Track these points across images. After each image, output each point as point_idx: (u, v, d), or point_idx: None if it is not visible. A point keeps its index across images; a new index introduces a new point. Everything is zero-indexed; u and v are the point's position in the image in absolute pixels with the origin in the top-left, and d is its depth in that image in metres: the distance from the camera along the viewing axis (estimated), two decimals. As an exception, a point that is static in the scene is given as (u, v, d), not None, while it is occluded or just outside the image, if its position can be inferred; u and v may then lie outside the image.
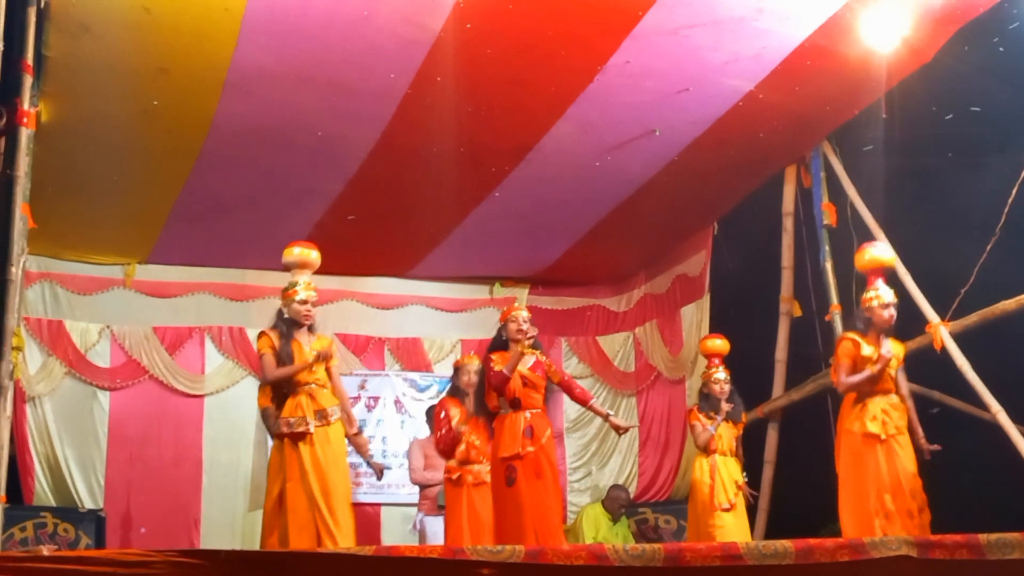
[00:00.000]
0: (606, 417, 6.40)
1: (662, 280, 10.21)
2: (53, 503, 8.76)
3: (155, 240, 9.00)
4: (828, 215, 8.01)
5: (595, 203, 8.71)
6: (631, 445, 10.35)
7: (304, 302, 5.83)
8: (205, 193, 8.03)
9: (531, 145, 7.56)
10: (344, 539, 5.50)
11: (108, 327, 9.35)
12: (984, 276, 6.86)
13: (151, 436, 9.29)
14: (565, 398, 6.65)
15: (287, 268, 5.98)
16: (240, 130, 7.11)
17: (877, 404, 5.92)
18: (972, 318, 6.91)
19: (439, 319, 10.32)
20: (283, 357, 5.76)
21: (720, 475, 7.20)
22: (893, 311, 6.00)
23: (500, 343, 6.26)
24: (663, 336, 10.13)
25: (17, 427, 8.43)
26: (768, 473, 8.47)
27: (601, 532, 9.22)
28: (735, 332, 7.80)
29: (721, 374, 7.43)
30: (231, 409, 9.38)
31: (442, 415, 7.04)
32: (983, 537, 4.61)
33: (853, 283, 6.38)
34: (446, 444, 6.98)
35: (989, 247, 6.86)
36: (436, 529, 7.51)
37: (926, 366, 6.98)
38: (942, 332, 6.95)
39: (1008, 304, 6.72)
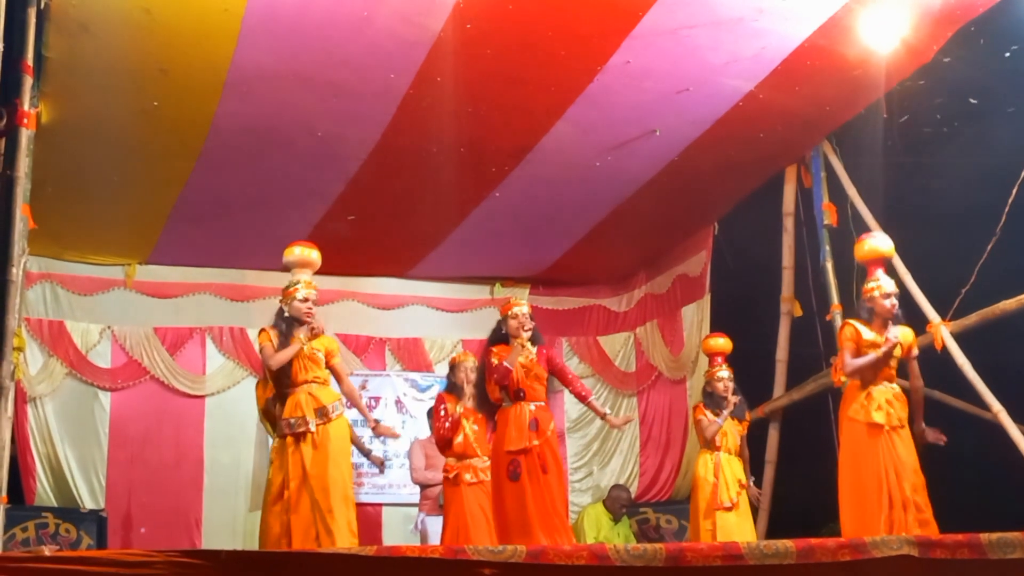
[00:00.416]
0: (603, 416, 6.40)
1: (662, 280, 10.20)
2: (54, 503, 8.76)
3: (156, 240, 9.00)
4: (828, 215, 8.01)
5: (595, 203, 8.71)
6: (632, 445, 10.35)
7: (305, 300, 5.84)
8: (205, 193, 8.03)
9: (531, 145, 7.56)
10: (343, 539, 5.49)
11: (109, 328, 9.35)
12: (985, 276, 6.86)
13: (152, 436, 9.29)
14: (566, 398, 6.68)
15: (288, 268, 5.99)
16: (240, 130, 7.11)
17: (882, 394, 5.87)
18: (973, 318, 6.91)
19: (440, 319, 10.32)
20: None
21: (724, 473, 7.19)
22: (895, 300, 5.97)
23: (500, 337, 6.27)
24: (664, 336, 10.13)
25: (18, 428, 8.43)
26: (769, 473, 8.46)
27: (602, 532, 9.22)
28: (736, 332, 7.80)
29: (725, 372, 7.43)
30: (232, 409, 9.38)
31: (441, 411, 7.04)
32: (984, 536, 4.61)
33: (854, 283, 6.38)
34: (445, 433, 6.95)
35: (989, 247, 6.86)
36: (437, 529, 7.50)
37: (927, 366, 6.94)
38: (943, 332, 6.96)
39: (1008, 304, 6.72)
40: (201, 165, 7.54)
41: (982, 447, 6.86)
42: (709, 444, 7.30)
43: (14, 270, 5.79)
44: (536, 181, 8.10)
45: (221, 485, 9.30)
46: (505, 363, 6.07)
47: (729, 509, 7.11)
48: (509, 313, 6.24)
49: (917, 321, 7.02)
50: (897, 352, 5.94)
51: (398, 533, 9.39)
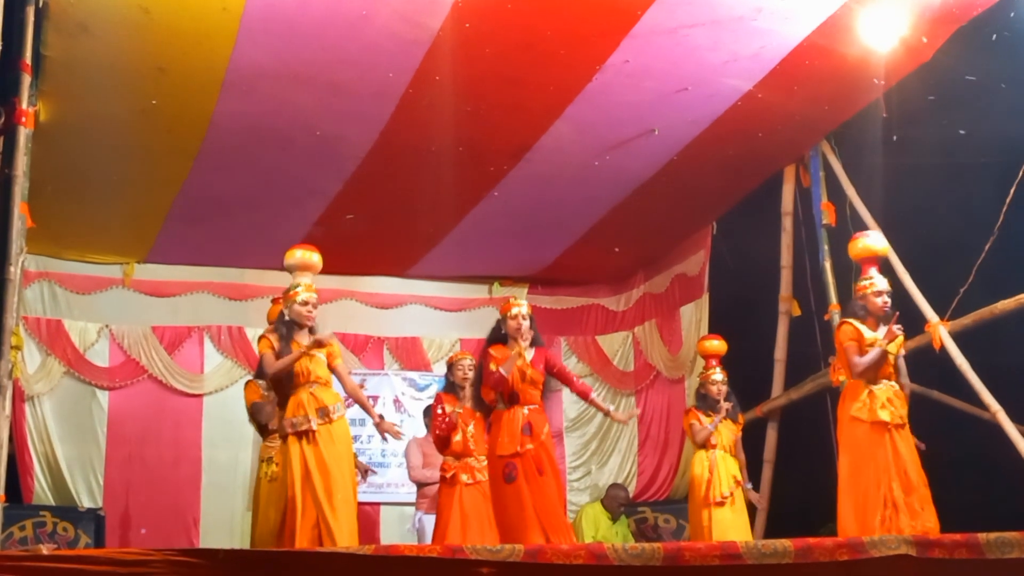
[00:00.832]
0: (607, 412, 6.39)
1: (661, 279, 10.21)
2: (52, 502, 8.76)
3: (154, 239, 9.00)
4: (827, 214, 8.01)
5: (594, 202, 8.71)
6: (630, 444, 10.35)
7: (305, 303, 5.83)
8: (204, 192, 8.03)
9: (530, 144, 7.56)
10: (343, 539, 5.49)
11: (107, 326, 9.36)
12: (983, 275, 6.86)
13: (150, 435, 9.29)
14: (564, 397, 6.66)
15: (288, 270, 5.98)
16: (239, 129, 7.10)
17: (883, 392, 5.86)
18: (971, 317, 6.91)
19: (438, 318, 10.32)
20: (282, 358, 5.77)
21: (718, 470, 7.21)
22: (887, 298, 6.00)
23: (498, 336, 6.26)
24: (662, 335, 10.13)
25: (16, 426, 8.43)
26: (767, 472, 8.47)
27: (600, 531, 9.23)
28: (734, 332, 7.80)
29: (719, 375, 7.45)
30: (230, 408, 9.35)
31: (439, 410, 7.04)
32: (982, 536, 4.61)
33: (852, 282, 6.38)
34: (441, 432, 6.96)
35: (988, 247, 6.86)
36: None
37: (925, 365, 6.97)
38: (941, 331, 6.96)
39: (1007, 303, 6.72)
40: (199, 164, 7.54)
41: (980, 447, 6.86)
42: (702, 446, 7.34)
43: (12, 269, 5.79)
44: (535, 180, 8.10)
45: (219, 484, 9.30)
46: (501, 369, 6.06)
47: (722, 504, 7.13)
48: (508, 313, 6.23)
49: (915, 321, 7.03)
50: (893, 348, 5.94)
51: (396, 532, 9.39)
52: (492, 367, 6.09)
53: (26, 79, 5.94)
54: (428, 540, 7.56)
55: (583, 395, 6.40)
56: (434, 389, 9.70)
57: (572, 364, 10.52)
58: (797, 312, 8.41)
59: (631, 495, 9.78)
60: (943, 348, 6.95)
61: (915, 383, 6.55)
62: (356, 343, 9.97)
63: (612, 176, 8.13)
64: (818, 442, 7.35)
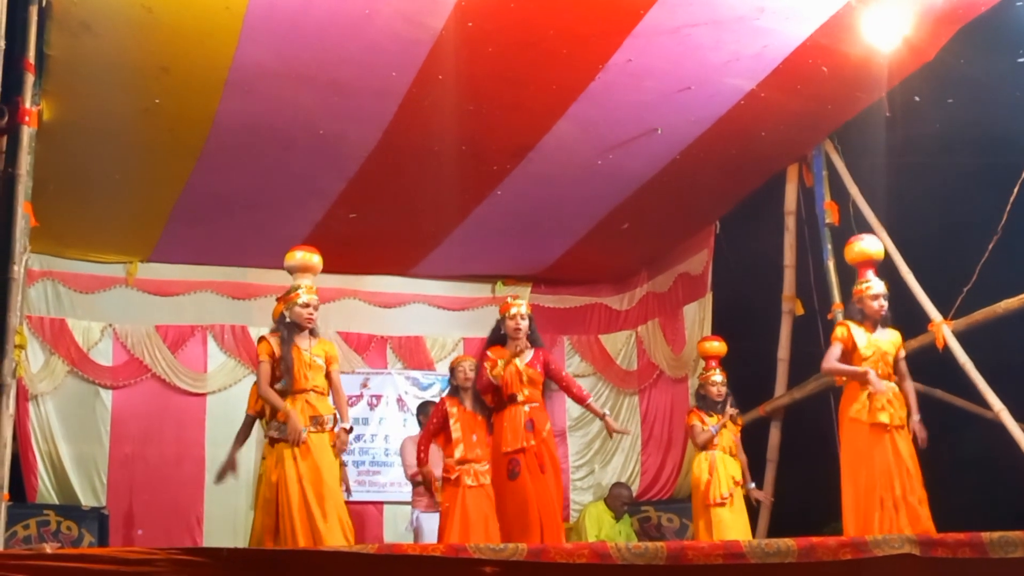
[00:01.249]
0: (602, 417, 6.38)
1: (664, 279, 10.21)
2: (56, 501, 8.77)
3: (157, 238, 9.00)
4: (830, 214, 8.01)
5: (597, 202, 8.71)
6: (634, 444, 10.36)
7: (306, 305, 5.82)
8: (207, 192, 8.03)
9: (533, 144, 7.56)
10: (334, 543, 5.50)
11: (110, 325, 9.37)
12: (986, 274, 6.86)
13: (153, 434, 9.30)
14: (568, 397, 6.66)
15: (289, 272, 5.98)
16: (242, 129, 7.11)
17: (882, 393, 5.90)
18: (974, 316, 6.91)
19: (441, 317, 10.33)
20: (284, 362, 5.74)
21: (718, 470, 7.23)
22: (883, 301, 6.06)
23: (498, 337, 6.28)
24: (665, 335, 10.13)
25: (20, 425, 8.41)
26: (770, 472, 8.46)
27: (604, 530, 9.22)
28: (737, 331, 7.80)
29: (718, 376, 7.48)
30: (233, 407, 9.32)
31: (442, 412, 7.12)
32: (986, 536, 4.61)
33: (854, 282, 6.39)
34: (430, 428, 7.14)
35: (991, 245, 6.86)
36: (432, 526, 7.55)
37: (928, 364, 6.97)
38: (944, 330, 6.96)
39: (1010, 303, 6.72)
40: (202, 163, 7.54)
41: (983, 446, 6.86)
42: (703, 448, 7.35)
43: (16, 268, 5.79)
44: (537, 180, 8.10)
45: (222, 483, 9.28)
46: (492, 378, 6.09)
47: (722, 504, 7.14)
48: (507, 313, 6.25)
49: (918, 320, 7.03)
50: (890, 353, 6.00)
51: (399, 531, 9.39)
52: (486, 366, 6.14)
53: (29, 78, 5.93)
54: (425, 538, 7.59)
55: (580, 400, 6.41)
56: (437, 388, 9.72)
57: (575, 363, 10.54)
58: (800, 311, 8.41)
59: (634, 494, 9.78)
60: (946, 347, 6.95)
61: (918, 382, 6.57)
62: (359, 342, 9.98)
63: (615, 175, 8.12)
64: (821, 441, 7.34)
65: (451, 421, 7.03)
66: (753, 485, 7.57)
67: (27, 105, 5.95)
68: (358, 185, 8.03)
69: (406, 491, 9.25)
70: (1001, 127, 6.78)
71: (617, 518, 9.33)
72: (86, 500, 8.86)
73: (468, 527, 6.73)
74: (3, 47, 5.44)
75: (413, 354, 10.13)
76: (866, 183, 7.67)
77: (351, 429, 6.01)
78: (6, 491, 5.62)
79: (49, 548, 3.91)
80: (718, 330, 8.70)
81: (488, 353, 6.22)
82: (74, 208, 8.11)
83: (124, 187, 7.91)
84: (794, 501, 7.98)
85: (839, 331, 6.09)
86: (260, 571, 4.06)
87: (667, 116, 7.25)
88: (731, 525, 7.13)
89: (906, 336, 6.30)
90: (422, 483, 7.56)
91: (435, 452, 7.39)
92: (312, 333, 5.88)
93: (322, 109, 6.92)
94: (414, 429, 9.30)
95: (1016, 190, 6.80)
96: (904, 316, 6.08)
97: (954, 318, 7.01)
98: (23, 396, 8.63)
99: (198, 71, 6.42)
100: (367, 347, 10.03)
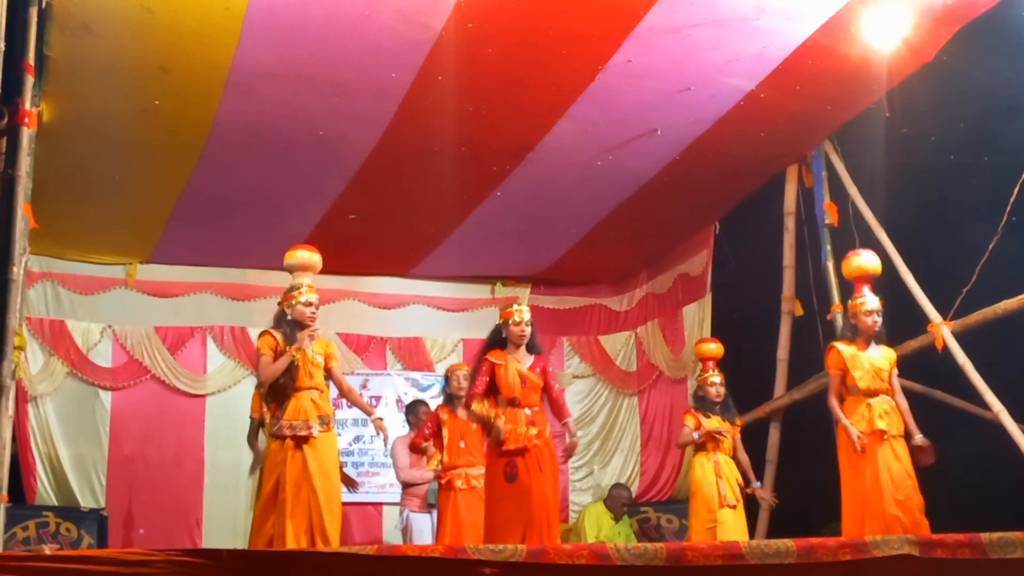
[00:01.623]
0: (571, 439, 6.22)
1: (664, 279, 10.20)
2: (55, 502, 8.77)
3: (156, 240, 9.00)
4: (830, 214, 8.01)
5: (596, 202, 8.70)
6: (633, 444, 10.36)
7: (308, 304, 5.84)
8: (207, 192, 8.03)
9: (532, 144, 7.56)
10: (336, 543, 5.51)
11: (110, 327, 9.37)
12: (986, 275, 6.86)
13: (153, 436, 9.30)
14: (568, 398, 6.68)
15: (289, 271, 5.98)
16: (241, 129, 7.11)
17: (880, 404, 6.03)
18: (974, 317, 6.91)
19: (441, 318, 10.33)
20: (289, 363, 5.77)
21: (725, 473, 7.25)
22: (877, 318, 6.16)
23: (498, 341, 6.28)
24: (665, 335, 10.13)
25: (19, 427, 8.43)
26: (770, 472, 8.46)
27: (603, 531, 9.22)
28: (737, 331, 7.80)
29: (716, 377, 7.49)
30: (233, 408, 9.36)
31: (428, 424, 7.29)
32: (985, 536, 4.61)
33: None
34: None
35: (991, 246, 6.86)
36: (422, 527, 7.59)
37: (928, 365, 6.98)
38: (944, 331, 6.96)
39: (1010, 303, 6.72)
40: (202, 164, 7.54)
41: (983, 447, 6.86)
42: (699, 447, 7.35)
43: (15, 269, 5.79)
44: (537, 180, 8.10)
45: (222, 484, 9.30)
46: (475, 392, 6.13)
47: (734, 507, 7.18)
48: (511, 320, 6.25)
49: (918, 321, 7.03)
50: (884, 365, 6.12)
51: (397, 532, 9.39)
52: (477, 379, 6.17)
53: (29, 79, 5.94)
54: (415, 539, 7.62)
55: (559, 418, 6.29)
56: (436, 389, 9.72)
57: (575, 364, 10.56)
58: (800, 312, 8.41)
59: (634, 495, 9.78)
60: (946, 348, 6.95)
61: (917, 383, 6.59)
62: (359, 343, 9.98)
63: (615, 176, 8.12)
64: (821, 442, 7.33)
65: (443, 430, 7.14)
66: (759, 484, 7.58)
67: (27, 106, 5.96)
68: (358, 185, 8.03)
69: (406, 492, 9.30)
70: (1001, 127, 6.79)
71: (616, 519, 9.33)
72: (85, 501, 8.86)
73: (460, 529, 6.80)
74: (3, 48, 5.44)
75: (413, 355, 10.13)
76: (866, 183, 7.67)
77: (380, 418, 6.08)
78: (5, 492, 5.63)
79: (48, 549, 3.91)
80: (717, 331, 8.70)
81: (488, 356, 6.22)
82: (74, 209, 8.11)
83: (124, 188, 7.91)
84: (794, 502, 7.97)
85: (831, 359, 6.22)
86: (260, 572, 4.06)
87: (667, 116, 7.25)
88: (735, 527, 7.15)
89: (907, 337, 6.32)
90: (414, 485, 7.68)
91: (415, 461, 7.51)
92: (312, 333, 5.89)
93: (322, 109, 6.92)
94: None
95: (1016, 190, 6.80)
96: (904, 317, 6.09)
97: (953, 318, 7.01)
98: (22, 397, 8.62)
99: (198, 71, 6.41)
100: (366, 348, 10.03)
